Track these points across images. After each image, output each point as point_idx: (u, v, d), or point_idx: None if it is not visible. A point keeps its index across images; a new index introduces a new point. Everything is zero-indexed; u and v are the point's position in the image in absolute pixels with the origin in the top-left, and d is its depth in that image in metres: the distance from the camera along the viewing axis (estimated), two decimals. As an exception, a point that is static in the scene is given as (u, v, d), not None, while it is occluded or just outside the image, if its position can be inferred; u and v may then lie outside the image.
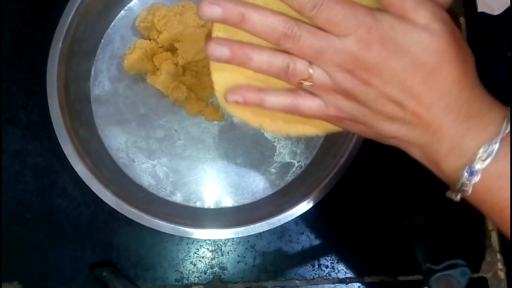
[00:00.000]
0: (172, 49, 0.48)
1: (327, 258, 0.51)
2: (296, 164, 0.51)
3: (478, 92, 0.29)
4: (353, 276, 0.51)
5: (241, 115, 0.33)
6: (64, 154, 0.44)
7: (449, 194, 0.31)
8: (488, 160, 0.28)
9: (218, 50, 0.29)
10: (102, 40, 0.51)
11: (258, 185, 0.51)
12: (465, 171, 0.28)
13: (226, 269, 0.50)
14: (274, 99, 0.31)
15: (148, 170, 0.50)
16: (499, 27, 0.52)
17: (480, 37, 0.54)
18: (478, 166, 0.28)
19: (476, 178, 0.28)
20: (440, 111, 0.28)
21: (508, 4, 0.50)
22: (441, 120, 0.29)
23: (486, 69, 0.53)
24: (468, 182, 0.29)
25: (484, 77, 0.54)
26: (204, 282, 0.50)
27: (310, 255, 0.51)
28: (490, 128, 0.28)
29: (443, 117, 0.28)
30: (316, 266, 0.51)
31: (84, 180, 0.44)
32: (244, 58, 0.29)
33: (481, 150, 0.28)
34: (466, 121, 0.28)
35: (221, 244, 0.51)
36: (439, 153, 0.30)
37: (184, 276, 0.50)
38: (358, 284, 0.51)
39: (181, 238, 0.50)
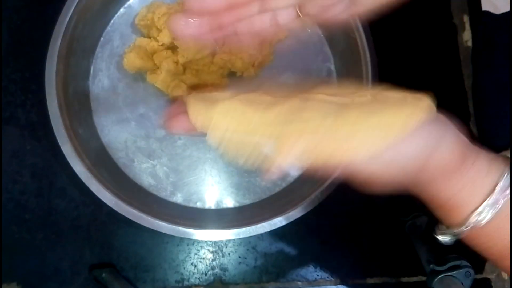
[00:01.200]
0: (172, 48, 0.48)
1: (329, 259, 0.51)
2: (298, 164, 0.51)
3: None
4: (355, 277, 0.51)
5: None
6: (63, 154, 0.44)
7: (443, 233, 0.32)
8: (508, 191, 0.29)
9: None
10: (101, 38, 0.51)
11: (259, 185, 0.50)
12: (490, 197, 0.29)
13: (227, 270, 0.50)
14: None
15: (148, 170, 0.50)
16: (503, 25, 0.52)
17: (484, 36, 0.54)
18: (500, 195, 0.29)
19: (498, 206, 0.29)
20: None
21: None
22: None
23: (490, 68, 0.53)
24: (489, 210, 0.29)
25: (487, 76, 0.54)
26: (204, 284, 0.50)
27: (312, 256, 0.51)
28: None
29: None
30: (318, 267, 0.51)
31: (83, 180, 0.44)
32: None
33: (502, 179, 0.29)
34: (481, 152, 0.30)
35: (222, 245, 0.50)
36: (460, 176, 0.30)
37: (185, 277, 0.50)
38: (361, 286, 0.51)
39: (182, 239, 0.50)
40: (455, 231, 0.31)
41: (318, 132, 0.29)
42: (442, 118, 0.30)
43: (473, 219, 0.30)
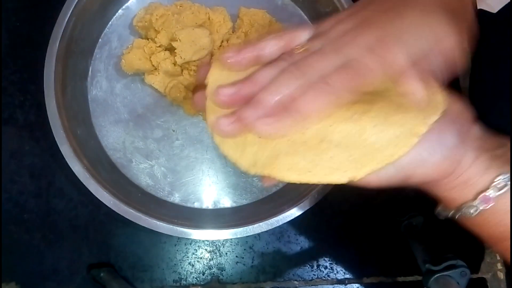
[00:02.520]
0: (170, 49, 0.48)
1: (326, 259, 0.51)
2: (295, 164, 0.51)
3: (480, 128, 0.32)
4: (352, 277, 0.51)
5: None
6: (61, 154, 0.44)
7: (443, 212, 0.33)
8: (503, 190, 0.30)
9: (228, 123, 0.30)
10: (100, 40, 0.51)
11: (256, 185, 0.50)
12: (479, 197, 0.30)
13: (225, 270, 0.50)
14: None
15: (146, 171, 0.50)
16: (498, 24, 0.52)
17: (480, 35, 0.54)
18: (492, 194, 0.30)
19: (487, 205, 0.30)
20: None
21: (507, 1, 0.50)
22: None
23: (485, 67, 0.53)
24: (478, 207, 0.31)
25: (483, 75, 0.54)
26: (202, 283, 0.50)
27: (308, 256, 0.51)
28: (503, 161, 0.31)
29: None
30: (315, 267, 0.51)
31: (81, 180, 0.44)
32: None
33: (498, 179, 0.30)
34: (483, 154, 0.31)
35: (220, 244, 0.51)
36: (451, 180, 0.32)
37: (182, 277, 0.50)
38: (357, 285, 0.51)
39: (179, 239, 0.50)
40: (448, 214, 0.33)
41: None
42: (449, 115, 0.31)
43: (462, 211, 0.32)
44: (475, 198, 0.31)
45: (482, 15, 0.52)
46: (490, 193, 0.30)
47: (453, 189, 0.31)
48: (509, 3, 0.47)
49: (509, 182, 0.30)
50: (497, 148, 0.31)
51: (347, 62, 0.29)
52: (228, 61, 0.32)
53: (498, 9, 0.50)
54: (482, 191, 0.30)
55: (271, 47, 0.32)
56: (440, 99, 0.30)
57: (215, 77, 0.33)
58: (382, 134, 0.29)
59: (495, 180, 0.30)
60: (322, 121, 0.30)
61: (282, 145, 0.30)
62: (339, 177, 0.29)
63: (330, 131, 0.30)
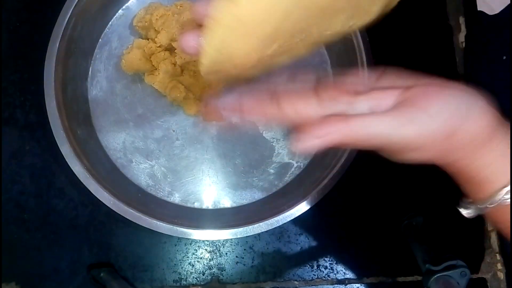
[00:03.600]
0: (170, 49, 0.48)
1: (326, 259, 0.51)
2: (295, 165, 0.51)
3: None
4: (352, 277, 0.51)
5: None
6: (62, 155, 0.44)
7: (467, 207, 0.32)
8: None
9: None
10: (100, 40, 0.51)
11: (256, 185, 0.51)
12: (504, 189, 0.29)
13: (225, 270, 0.50)
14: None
15: (146, 171, 0.50)
16: (498, 26, 0.52)
17: (479, 36, 0.54)
18: None
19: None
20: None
21: (508, 2, 0.50)
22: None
23: (485, 68, 0.53)
24: (503, 199, 0.29)
25: (483, 76, 0.54)
26: (202, 283, 0.50)
27: (308, 256, 0.51)
28: None
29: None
30: (315, 267, 0.51)
31: (81, 180, 0.44)
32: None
33: None
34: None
35: (220, 245, 0.51)
36: (491, 149, 0.29)
37: (182, 277, 0.50)
38: (357, 285, 0.51)
39: (179, 239, 0.50)
40: (479, 206, 0.31)
41: None
42: (472, 91, 0.30)
43: (498, 197, 0.29)
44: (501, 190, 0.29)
45: (482, 16, 0.52)
46: None
47: (491, 165, 0.29)
48: (508, 5, 0.47)
49: None
50: None
51: None
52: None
53: (498, 11, 0.50)
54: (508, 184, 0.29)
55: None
56: None
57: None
58: None
59: None
60: None
61: None
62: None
63: None
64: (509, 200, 0.29)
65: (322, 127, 0.28)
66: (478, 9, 0.52)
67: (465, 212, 0.32)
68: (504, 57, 0.51)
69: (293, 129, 0.30)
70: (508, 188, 0.29)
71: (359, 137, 0.28)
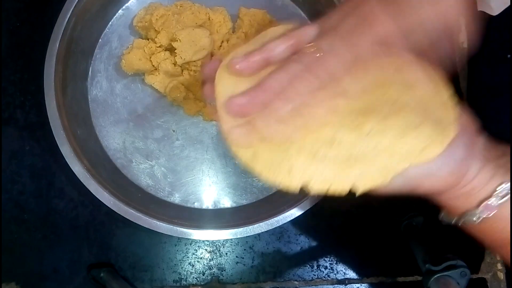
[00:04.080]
0: (170, 49, 0.48)
1: (326, 259, 0.51)
2: (295, 165, 0.51)
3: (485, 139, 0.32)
4: (352, 277, 0.51)
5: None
6: (62, 155, 0.44)
7: (446, 218, 0.34)
8: (505, 198, 0.30)
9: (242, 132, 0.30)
10: (100, 40, 0.51)
11: (256, 185, 0.50)
12: (482, 205, 0.31)
13: (225, 270, 0.50)
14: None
15: (146, 171, 0.50)
16: (498, 27, 0.52)
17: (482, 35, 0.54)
18: (495, 202, 0.30)
19: (490, 213, 0.31)
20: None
21: (508, 3, 0.50)
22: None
23: (485, 69, 0.53)
24: (481, 215, 0.31)
25: (483, 77, 0.54)
26: (202, 283, 0.50)
27: (309, 256, 0.51)
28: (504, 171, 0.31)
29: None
30: (315, 267, 0.51)
31: (81, 180, 0.44)
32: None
33: (500, 188, 0.30)
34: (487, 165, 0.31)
35: (220, 245, 0.51)
36: (456, 190, 0.32)
37: (182, 277, 0.50)
38: (357, 285, 0.51)
39: (179, 239, 0.50)
40: (451, 221, 0.33)
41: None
42: (469, 128, 0.31)
43: (465, 218, 0.32)
44: (478, 206, 0.31)
45: (482, 17, 0.52)
46: (492, 201, 0.30)
47: (457, 198, 0.32)
48: (509, 5, 0.47)
49: (509, 191, 0.30)
50: (500, 158, 0.32)
51: (358, 59, 0.29)
52: (237, 67, 0.31)
53: (499, 11, 0.50)
54: (484, 200, 0.31)
55: (280, 48, 0.31)
56: (454, 115, 0.30)
57: (224, 82, 0.32)
58: (395, 148, 0.29)
59: (497, 188, 0.30)
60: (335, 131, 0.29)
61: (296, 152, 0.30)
62: (360, 185, 0.30)
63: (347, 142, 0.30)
64: (475, 222, 0.31)
65: None
66: (478, 9, 0.52)
67: (443, 220, 0.35)
68: (509, 56, 0.51)
69: None
70: (471, 213, 0.31)
71: None
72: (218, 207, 0.50)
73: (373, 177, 0.29)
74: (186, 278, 0.50)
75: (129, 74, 0.50)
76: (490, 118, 0.52)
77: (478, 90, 0.53)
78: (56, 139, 0.44)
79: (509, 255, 0.32)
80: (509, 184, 0.30)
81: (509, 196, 0.30)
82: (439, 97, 0.31)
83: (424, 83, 0.31)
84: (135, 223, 0.44)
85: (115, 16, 0.52)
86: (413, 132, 0.29)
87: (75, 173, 0.44)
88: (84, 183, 0.44)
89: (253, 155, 0.30)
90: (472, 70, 0.54)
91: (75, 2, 0.45)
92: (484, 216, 0.31)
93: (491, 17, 0.52)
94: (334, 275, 0.51)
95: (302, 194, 0.46)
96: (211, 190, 0.50)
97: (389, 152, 0.29)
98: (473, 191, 0.31)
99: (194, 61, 0.48)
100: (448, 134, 0.29)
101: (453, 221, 0.33)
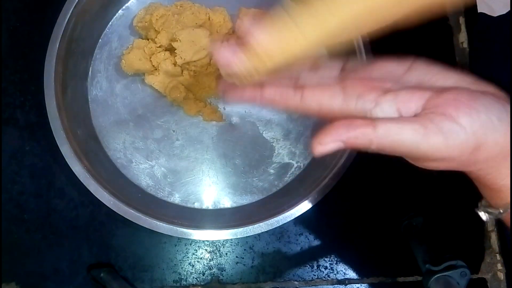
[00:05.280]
0: (170, 49, 0.48)
1: (326, 259, 0.51)
2: (295, 165, 0.51)
3: None
4: (352, 277, 0.51)
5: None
6: (62, 155, 0.44)
7: (486, 209, 0.32)
8: None
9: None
10: (100, 40, 0.51)
11: (256, 185, 0.51)
12: None
13: (225, 270, 0.50)
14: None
15: (146, 171, 0.50)
16: (499, 28, 0.52)
17: (480, 38, 0.54)
18: None
19: None
20: None
21: (508, 5, 0.50)
22: None
23: (485, 70, 0.53)
24: None
25: (483, 77, 0.54)
26: (202, 283, 0.50)
27: (309, 256, 0.51)
28: None
29: None
30: (315, 267, 0.51)
31: (81, 180, 0.44)
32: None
33: None
34: None
35: (220, 245, 0.51)
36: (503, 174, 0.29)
37: (182, 277, 0.50)
38: (357, 285, 0.51)
39: (179, 239, 0.50)
40: (496, 212, 0.31)
41: None
42: (503, 98, 0.29)
43: None
44: None
45: (482, 17, 0.52)
46: None
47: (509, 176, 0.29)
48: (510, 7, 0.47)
49: None
50: None
51: None
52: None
53: (500, 13, 0.50)
54: None
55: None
56: None
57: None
58: None
59: None
60: None
61: None
62: None
63: None
64: None
65: (348, 129, 0.27)
66: (479, 11, 0.52)
67: (483, 215, 0.32)
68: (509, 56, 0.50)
69: (311, 132, 0.30)
70: None
71: (386, 144, 0.27)
72: (218, 207, 0.50)
73: None
74: (186, 278, 0.50)
75: (129, 74, 0.50)
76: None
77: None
78: (56, 139, 0.44)
79: None
80: None
81: None
82: None
83: None
84: (135, 223, 0.44)
85: (115, 16, 0.52)
86: None
87: (75, 173, 0.44)
88: (84, 183, 0.44)
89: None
90: (472, 70, 0.54)
91: (75, 2, 0.46)
92: None
93: (492, 17, 0.52)
94: (334, 275, 0.51)
95: (302, 193, 0.46)
96: (211, 190, 0.50)
97: None
98: None
99: (194, 61, 0.48)
100: None
101: (497, 212, 0.31)
